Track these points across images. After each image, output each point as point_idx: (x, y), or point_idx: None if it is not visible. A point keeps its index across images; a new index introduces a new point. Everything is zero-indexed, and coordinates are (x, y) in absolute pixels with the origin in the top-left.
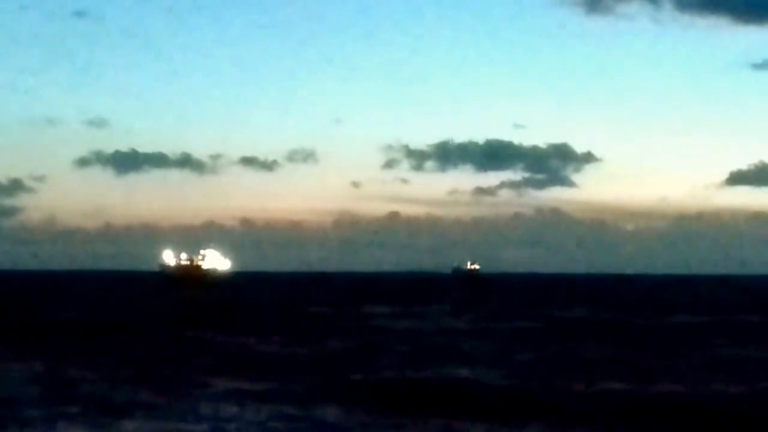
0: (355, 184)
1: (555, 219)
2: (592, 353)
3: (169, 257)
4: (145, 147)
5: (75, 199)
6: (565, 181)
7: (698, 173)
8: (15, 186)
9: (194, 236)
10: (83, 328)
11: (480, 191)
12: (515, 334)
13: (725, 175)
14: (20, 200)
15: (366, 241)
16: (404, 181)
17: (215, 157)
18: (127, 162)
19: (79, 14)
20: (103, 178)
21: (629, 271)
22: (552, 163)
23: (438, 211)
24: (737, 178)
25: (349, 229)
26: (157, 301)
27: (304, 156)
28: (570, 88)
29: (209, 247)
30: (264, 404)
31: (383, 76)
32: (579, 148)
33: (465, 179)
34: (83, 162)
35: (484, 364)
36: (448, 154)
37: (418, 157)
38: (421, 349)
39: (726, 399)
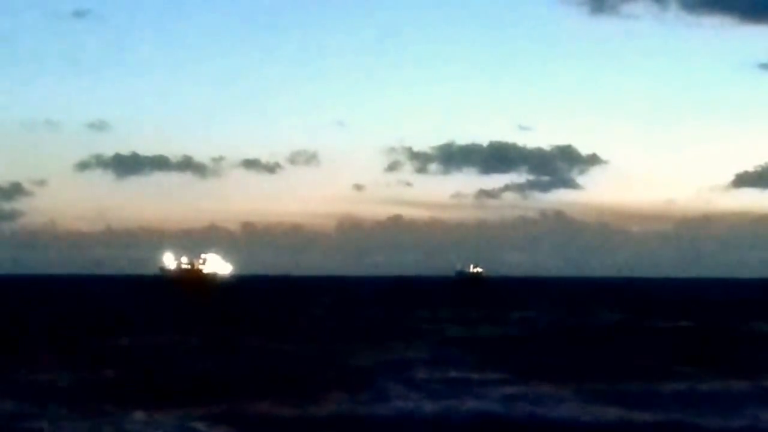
0: (358, 187)
1: (559, 222)
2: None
3: (170, 261)
4: (146, 150)
5: (75, 202)
6: (569, 184)
7: (704, 175)
8: (15, 190)
9: (195, 240)
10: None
11: (484, 194)
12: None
13: (731, 177)
14: (20, 204)
15: (368, 245)
16: (407, 183)
17: (217, 159)
18: (128, 165)
19: (79, 14)
20: (103, 181)
21: (635, 273)
22: (557, 165)
23: (441, 214)
24: (743, 180)
25: (352, 232)
26: (139, 306)
27: (307, 158)
28: (574, 89)
29: (210, 251)
30: None
31: (386, 77)
32: (584, 150)
33: (468, 182)
34: (84, 165)
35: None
36: (451, 157)
37: (421, 160)
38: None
39: None
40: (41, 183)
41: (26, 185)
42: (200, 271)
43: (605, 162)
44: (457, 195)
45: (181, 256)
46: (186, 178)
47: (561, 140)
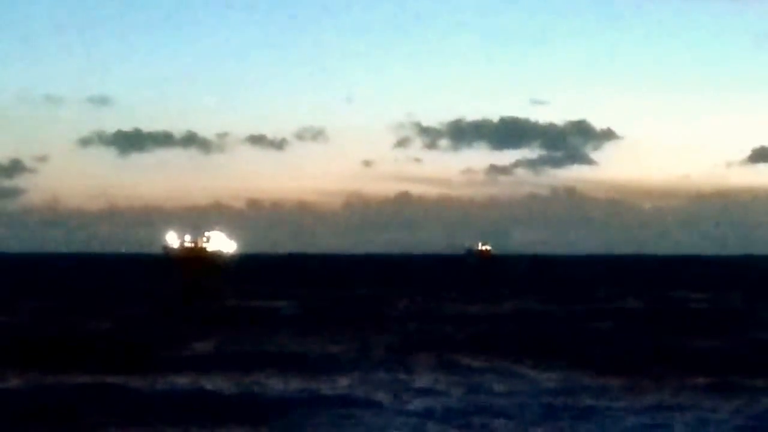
0: (366, 164)
1: (572, 198)
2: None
3: (173, 239)
4: (149, 125)
5: (77, 180)
6: (583, 159)
7: (720, 150)
8: (15, 167)
9: (199, 218)
10: None
11: (495, 170)
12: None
13: (748, 152)
14: (21, 181)
15: (376, 223)
16: (417, 160)
17: (222, 135)
18: (131, 141)
19: None
20: (105, 158)
21: (648, 251)
22: (570, 140)
23: (451, 191)
24: (760, 155)
25: (360, 209)
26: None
27: (314, 134)
28: (588, 62)
29: (215, 229)
30: None
31: (395, 52)
32: (598, 124)
33: (479, 158)
34: (85, 141)
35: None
36: (461, 132)
37: (430, 135)
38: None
39: None
40: (42, 160)
41: (27, 162)
42: (204, 249)
43: (620, 137)
44: (467, 171)
45: (184, 235)
46: (190, 154)
47: (575, 115)
